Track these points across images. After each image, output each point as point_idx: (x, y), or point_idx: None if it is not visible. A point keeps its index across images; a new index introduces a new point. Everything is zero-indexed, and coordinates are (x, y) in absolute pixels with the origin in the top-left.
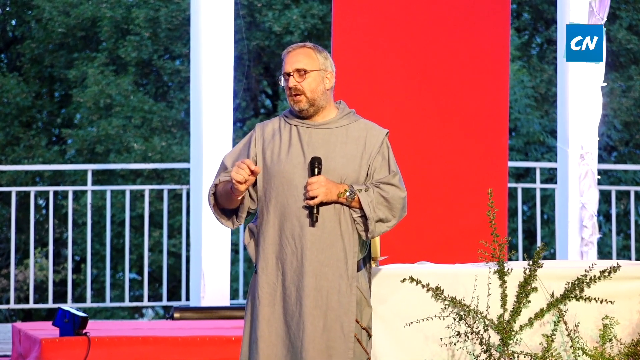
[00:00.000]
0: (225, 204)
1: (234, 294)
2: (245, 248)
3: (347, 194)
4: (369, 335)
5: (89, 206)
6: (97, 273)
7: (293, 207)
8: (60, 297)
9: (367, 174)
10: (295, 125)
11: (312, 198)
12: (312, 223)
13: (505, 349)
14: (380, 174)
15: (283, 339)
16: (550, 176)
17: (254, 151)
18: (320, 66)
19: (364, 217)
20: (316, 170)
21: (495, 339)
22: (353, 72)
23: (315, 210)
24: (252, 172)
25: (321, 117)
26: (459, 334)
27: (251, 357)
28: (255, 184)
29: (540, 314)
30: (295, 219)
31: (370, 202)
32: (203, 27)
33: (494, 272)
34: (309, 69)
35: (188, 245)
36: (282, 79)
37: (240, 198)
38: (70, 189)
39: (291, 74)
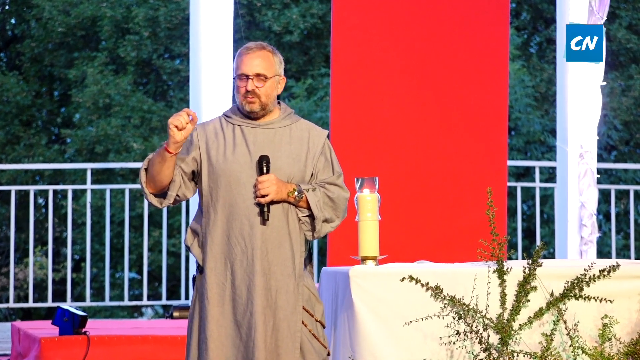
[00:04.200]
0: (158, 174)
1: None
2: (187, 249)
3: (296, 193)
4: (324, 327)
5: (88, 205)
6: (97, 272)
7: (242, 206)
8: (59, 296)
9: (312, 174)
10: (239, 125)
11: (263, 196)
12: (264, 222)
13: (505, 348)
14: (323, 175)
15: (233, 339)
16: (550, 175)
17: (198, 151)
18: (277, 72)
19: (310, 216)
20: (265, 168)
21: (494, 338)
22: (352, 71)
23: (266, 209)
24: (192, 120)
25: (266, 118)
26: (458, 333)
27: (200, 357)
28: (194, 178)
29: (539, 313)
30: (245, 218)
31: (318, 202)
32: (202, 26)
33: (494, 271)
34: (269, 75)
35: None
36: (238, 78)
37: (171, 165)
38: (69, 187)
39: (251, 77)
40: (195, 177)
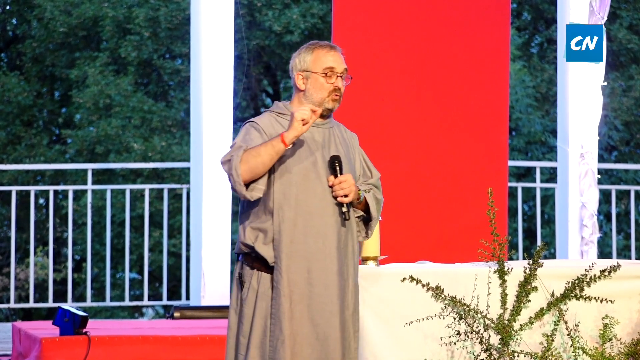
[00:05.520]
0: (264, 166)
1: None
2: (247, 247)
3: (360, 193)
4: None
5: (89, 205)
6: (98, 272)
7: (317, 205)
8: (60, 296)
9: (359, 176)
10: None
11: (345, 196)
12: (343, 222)
13: (505, 348)
14: (363, 177)
15: (308, 338)
16: (551, 176)
17: None
18: None
19: (360, 217)
20: (338, 168)
21: (495, 338)
22: (353, 71)
23: (345, 209)
24: (314, 113)
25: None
26: (458, 333)
27: (274, 356)
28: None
29: (540, 314)
30: (320, 218)
31: (372, 204)
32: (203, 26)
33: (494, 272)
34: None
35: (188, 245)
36: (323, 73)
37: (278, 157)
38: (70, 188)
39: (340, 74)
40: None
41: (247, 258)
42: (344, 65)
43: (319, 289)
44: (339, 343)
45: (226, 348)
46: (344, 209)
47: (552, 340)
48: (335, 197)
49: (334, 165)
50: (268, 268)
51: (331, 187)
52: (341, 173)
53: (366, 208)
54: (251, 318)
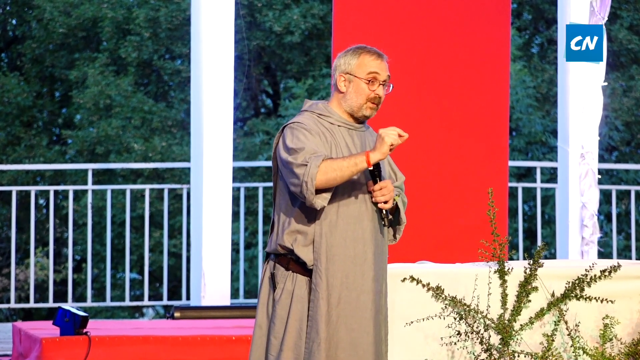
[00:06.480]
0: (342, 180)
1: (234, 294)
2: (284, 249)
3: (396, 199)
4: None
5: (89, 205)
6: (98, 273)
7: (358, 210)
8: (60, 296)
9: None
10: (339, 126)
11: (386, 202)
12: (381, 228)
13: (506, 348)
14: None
15: (342, 342)
16: (551, 176)
17: (327, 151)
18: None
19: (390, 221)
20: (377, 174)
21: (495, 338)
22: None
23: (386, 215)
24: (400, 137)
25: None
26: (459, 333)
27: (311, 358)
28: None
29: (540, 314)
30: (359, 222)
31: (402, 208)
32: (203, 27)
33: (495, 272)
34: None
35: (188, 245)
36: (366, 80)
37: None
38: (70, 188)
39: (382, 82)
40: None
41: (281, 259)
42: (387, 72)
43: (355, 293)
44: (372, 347)
45: (251, 346)
46: (384, 215)
47: (553, 340)
48: (375, 203)
49: (373, 170)
50: (305, 270)
51: (370, 192)
52: (380, 179)
53: (394, 211)
54: (285, 320)
